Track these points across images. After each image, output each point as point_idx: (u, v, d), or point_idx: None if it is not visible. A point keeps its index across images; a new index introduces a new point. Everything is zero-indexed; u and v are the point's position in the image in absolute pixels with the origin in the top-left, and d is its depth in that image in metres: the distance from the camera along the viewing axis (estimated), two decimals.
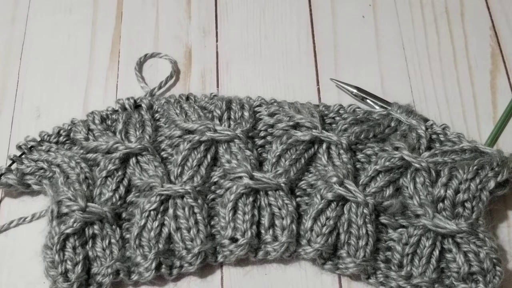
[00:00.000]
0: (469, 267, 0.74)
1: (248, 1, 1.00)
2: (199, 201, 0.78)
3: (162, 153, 0.82)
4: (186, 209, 0.77)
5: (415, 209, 0.77)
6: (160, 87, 0.90)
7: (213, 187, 0.81)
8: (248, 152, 0.80)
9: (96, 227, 0.76)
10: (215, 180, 0.81)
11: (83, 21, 0.97)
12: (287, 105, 0.85)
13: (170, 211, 0.77)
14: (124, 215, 0.79)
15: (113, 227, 0.77)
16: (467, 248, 0.74)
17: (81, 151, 0.81)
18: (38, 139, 0.83)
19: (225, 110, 0.84)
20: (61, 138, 0.83)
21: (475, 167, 0.78)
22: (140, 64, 0.92)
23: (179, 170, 0.80)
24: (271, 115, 0.85)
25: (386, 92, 0.91)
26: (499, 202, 0.82)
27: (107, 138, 0.81)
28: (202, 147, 0.81)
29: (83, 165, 0.79)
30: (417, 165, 0.79)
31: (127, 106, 0.85)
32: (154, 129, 0.83)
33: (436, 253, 0.75)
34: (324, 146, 0.81)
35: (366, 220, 0.76)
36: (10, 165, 0.82)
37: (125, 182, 0.80)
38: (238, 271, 0.78)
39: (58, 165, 0.80)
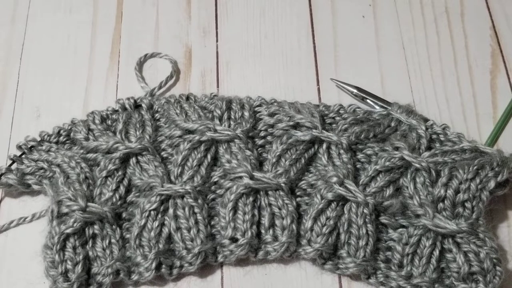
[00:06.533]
0: (469, 267, 0.74)
1: (248, 1, 1.00)
2: (199, 201, 0.78)
3: (162, 153, 0.82)
4: (186, 209, 0.77)
5: (415, 209, 0.77)
6: (160, 87, 0.90)
7: (213, 187, 0.81)
8: (248, 152, 0.80)
9: (96, 227, 0.76)
10: (215, 180, 0.81)
11: (83, 21, 0.97)
12: (287, 105, 0.85)
13: (170, 211, 0.77)
14: (124, 215, 0.79)
15: (113, 227, 0.77)
16: (467, 248, 0.74)
17: (81, 151, 0.81)
18: (38, 139, 0.83)
19: (225, 110, 0.84)
20: (61, 138, 0.83)
21: (475, 167, 0.78)
22: (140, 64, 0.92)
23: (179, 170, 0.80)
24: (271, 115, 0.85)
25: (386, 92, 0.91)
26: (499, 202, 0.82)
27: (107, 138, 0.81)
28: (202, 147, 0.81)
29: (83, 165, 0.79)
30: (417, 165, 0.79)
31: (127, 106, 0.85)
32: (154, 129, 0.83)
33: (436, 253, 0.75)
34: (324, 146, 0.81)
35: (366, 220, 0.76)
36: (10, 165, 0.82)
37: (125, 182, 0.80)
38: (238, 271, 0.78)
39: (58, 165, 0.80)
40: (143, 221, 0.77)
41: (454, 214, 0.77)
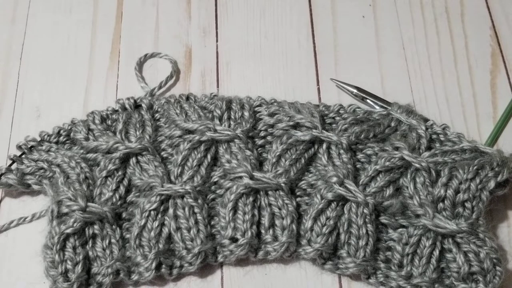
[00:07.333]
0: (469, 267, 0.74)
1: (248, 1, 1.00)
2: (199, 201, 0.78)
3: (162, 153, 0.82)
4: (186, 209, 0.77)
5: (415, 209, 0.77)
6: (160, 87, 0.90)
7: (213, 187, 0.81)
8: (248, 152, 0.80)
9: (96, 227, 0.76)
10: (215, 180, 0.81)
11: (83, 21, 0.97)
12: (287, 105, 0.85)
13: (170, 211, 0.77)
14: (124, 215, 0.79)
15: (113, 227, 0.77)
16: (467, 248, 0.74)
17: (81, 151, 0.81)
18: (38, 139, 0.83)
19: (225, 110, 0.84)
20: (61, 138, 0.83)
21: (475, 167, 0.78)
22: (140, 64, 0.92)
23: (179, 170, 0.80)
24: (271, 115, 0.85)
25: (386, 92, 0.91)
26: (499, 202, 0.82)
27: (107, 138, 0.81)
28: (202, 147, 0.81)
29: (83, 165, 0.79)
30: (417, 165, 0.79)
31: (127, 106, 0.85)
32: (154, 129, 0.83)
33: (436, 253, 0.75)
34: (324, 146, 0.81)
35: (366, 220, 0.76)
36: (10, 165, 0.82)
37: (125, 182, 0.80)
38: (238, 271, 0.78)
39: (58, 165, 0.80)
40: (143, 221, 0.77)
41: (454, 214, 0.77)
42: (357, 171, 0.81)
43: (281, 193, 0.78)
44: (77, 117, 0.85)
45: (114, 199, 0.78)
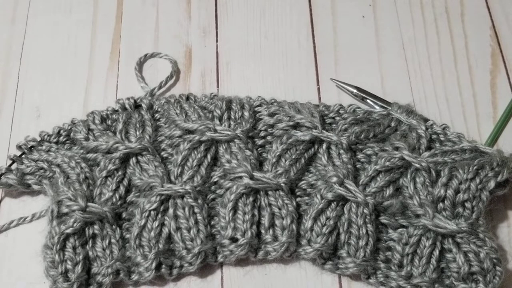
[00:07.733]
0: (469, 267, 0.74)
1: (248, 1, 1.00)
2: (199, 201, 0.78)
3: (162, 153, 0.82)
4: (186, 209, 0.77)
5: (415, 209, 0.77)
6: (160, 87, 0.90)
7: (213, 187, 0.81)
8: (248, 152, 0.80)
9: (96, 227, 0.76)
10: (215, 180, 0.81)
11: (83, 21, 0.97)
12: (287, 105, 0.85)
13: (170, 211, 0.77)
14: (124, 215, 0.79)
15: (113, 227, 0.77)
16: (467, 248, 0.74)
17: (81, 151, 0.81)
18: (38, 139, 0.83)
19: (225, 110, 0.84)
20: (61, 138, 0.83)
21: (475, 167, 0.78)
22: (140, 64, 0.92)
23: (179, 170, 0.80)
24: (271, 115, 0.85)
25: (386, 92, 0.91)
26: (499, 202, 0.82)
27: (107, 138, 0.81)
28: (202, 147, 0.81)
29: (83, 165, 0.79)
30: (417, 165, 0.79)
31: (127, 106, 0.85)
32: (154, 129, 0.83)
33: (436, 253, 0.75)
34: (324, 146, 0.81)
35: (366, 220, 0.76)
36: (10, 165, 0.82)
37: (125, 182, 0.80)
38: (238, 271, 0.78)
39: (58, 165, 0.80)
40: (143, 221, 0.77)
41: (454, 214, 0.77)
42: (357, 171, 0.81)
43: (281, 193, 0.78)
44: (77, 117, 0.85)
45: (114, 199, 0.78)
